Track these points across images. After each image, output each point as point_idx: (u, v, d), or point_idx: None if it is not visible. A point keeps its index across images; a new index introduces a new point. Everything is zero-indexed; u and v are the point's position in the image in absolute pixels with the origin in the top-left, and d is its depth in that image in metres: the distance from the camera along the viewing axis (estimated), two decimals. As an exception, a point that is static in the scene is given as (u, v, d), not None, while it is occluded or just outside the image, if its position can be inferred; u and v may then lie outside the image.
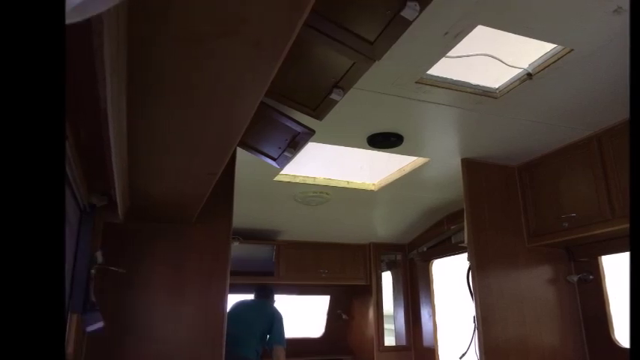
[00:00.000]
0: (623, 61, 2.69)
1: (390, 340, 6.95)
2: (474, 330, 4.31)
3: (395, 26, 2.03)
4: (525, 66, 2.95)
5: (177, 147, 2.09)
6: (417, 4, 1.91)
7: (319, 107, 2.77)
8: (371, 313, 6.79)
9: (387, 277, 7.21)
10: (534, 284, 4.27)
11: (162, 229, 3.43)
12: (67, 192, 2.28)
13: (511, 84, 3.08)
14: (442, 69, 2.92)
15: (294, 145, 3.14)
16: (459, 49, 2.63)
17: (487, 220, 4.23)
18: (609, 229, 3.56)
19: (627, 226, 3.36)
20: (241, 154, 3.30)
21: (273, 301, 6.13)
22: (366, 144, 3.83)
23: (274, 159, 3.29)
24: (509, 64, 2.93)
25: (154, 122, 1.80)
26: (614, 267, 4.29)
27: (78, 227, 2.70)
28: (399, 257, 7.14)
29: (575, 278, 4.36)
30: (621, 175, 3.46)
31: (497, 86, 3.17)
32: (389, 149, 3.95)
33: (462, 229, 4.41)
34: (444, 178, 4.75)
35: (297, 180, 4.76)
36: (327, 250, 6.72)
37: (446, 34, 2.46)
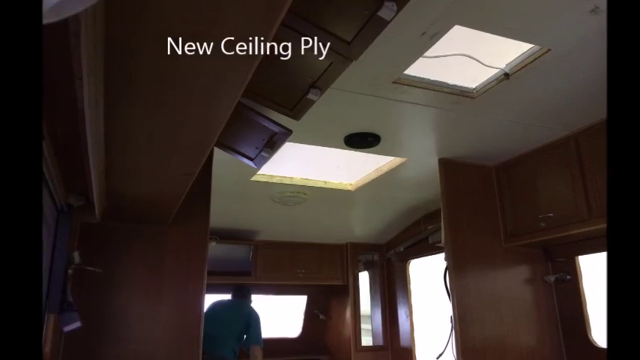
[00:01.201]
0: (601, 61, 2.70)
1: (367, 340, 6.96)
2: (451, 330, 4.32)
3: (372, 26, 2.03)
4: (503, 66, 2.96)
5: (154, 147, 2.08)
6: (394, 4, 1.91)
7: (296, 107, 2.77)
8: (348, 313, 6.79)
9: (364, 277, 7.21)
10: (512, 284, 4.28)
11: (139, 229, 3.42)
12: (44, 192, 2.27)
13: (488, 84, 3.09)
14: (419, 69, 2.92)
15: (272, 145, 3.13)
16: (436, 49, 2.64)
17: (464, 220, 4.24)
18: (586, 229, 3.58)
19: (604, 226, 3.35)
20: (218, 154, 3.29)
21: (250, 300, 6.11)
22: (343, 144, 3.83)
23: (251, 159, 3.28)
24: (486, 64, 2.94)
25: (130, 122, 1.79)
26: (592, 267, 4.31)
27: (55, 227, 2.68)
28: (376, 257, 7.14)
29: (552, 278, 4.38)
30: (598, 175, 3.48)
31: (474, 86, 3.18)
32: (366, 149, 3.94)
33: (440, 229, 4.41)
34: (422, 178, 4.74)
35: (275, 180, 4.75)
36: (304, 250, 6.71)
37: (423, 34, 2.46)
